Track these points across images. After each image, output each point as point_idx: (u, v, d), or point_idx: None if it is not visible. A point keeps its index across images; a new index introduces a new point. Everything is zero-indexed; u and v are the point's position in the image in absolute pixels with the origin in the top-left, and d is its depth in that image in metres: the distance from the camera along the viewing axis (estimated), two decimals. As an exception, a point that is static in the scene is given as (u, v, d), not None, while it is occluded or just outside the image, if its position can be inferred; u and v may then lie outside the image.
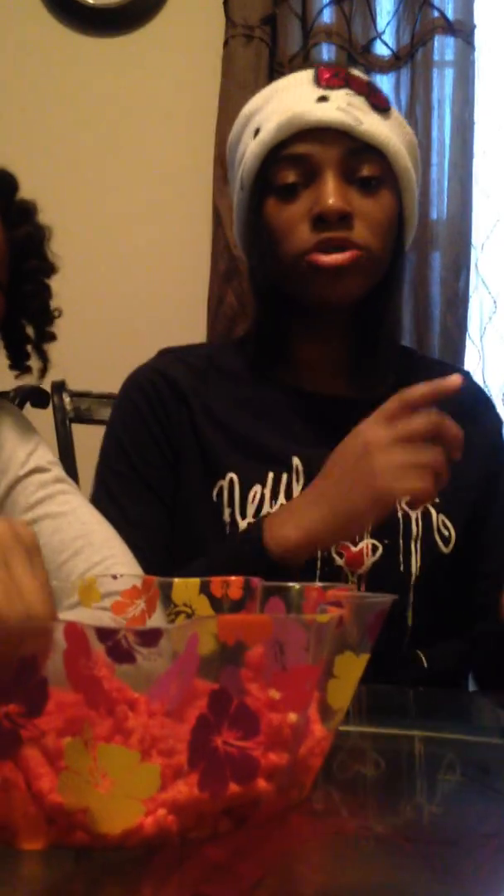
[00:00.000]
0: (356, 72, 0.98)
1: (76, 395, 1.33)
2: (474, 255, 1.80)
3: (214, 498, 0.91)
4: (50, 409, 1.33)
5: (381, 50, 1.79)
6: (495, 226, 1.84)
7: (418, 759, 0.61)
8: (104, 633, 0.39)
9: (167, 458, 0.94)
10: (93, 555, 0.76)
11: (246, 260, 1.01)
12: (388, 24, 1.79)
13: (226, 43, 1.78)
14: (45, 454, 0.84)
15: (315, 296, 0.91)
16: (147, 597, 0.57)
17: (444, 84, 1.76)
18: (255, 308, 1.00)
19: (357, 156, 0.90)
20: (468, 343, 1.78)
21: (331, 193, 0.88)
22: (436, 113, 1.76)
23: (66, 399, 1.32)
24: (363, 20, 1.78)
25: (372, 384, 0.96)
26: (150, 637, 0.40)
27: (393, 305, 0.97)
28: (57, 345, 2.03)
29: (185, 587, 0.56)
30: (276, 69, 1.74)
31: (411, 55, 1.77)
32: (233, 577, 0.56)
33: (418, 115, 1.76)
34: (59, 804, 0.39)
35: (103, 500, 0.95)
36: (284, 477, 0.90)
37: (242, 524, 0.88)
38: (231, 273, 1.74)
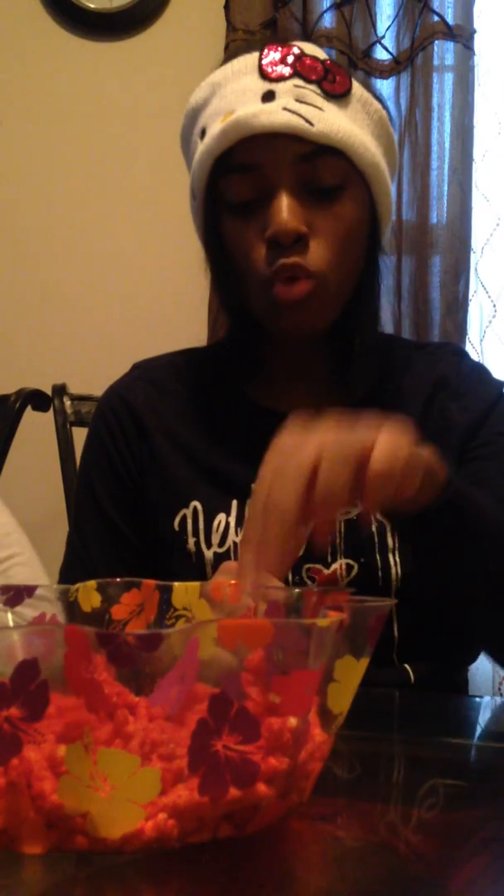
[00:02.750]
0: (311, 48, 0.84)
1: (77, 399, 1.33)
2: (474, 259, 1.80)
3: (177, 527, 0.87)
4: (50, 412, 1.33)
5: (382, 54, 1.80)
6: (495, 230, 1.84)
7: (417, 763, 0.61)
8: (104, 638, 0.39)
9: (131, 491, 0.91)
10: None
11: (210, 271, 0.93)
12: (388, 28, 1.80)
13: (226, 47, 1.79)
14: None
15: (279, 328, 0.85)
16: (146, 601, 0.57)
17: (443, 88, 1.77)
18: (227, 319, 0.94)
19: (312, 159, 0.80)
20: (468, 347, 1.78)
21: (282, 213, 0.79)
22: (435, 117, 1.76)
23: (67, 402, 1.32)
24: (363, 25, 1.79)
25: (348, 394, 0.90)
26: (151, 641, 0.40)
27: (369, 314, 0.90)
28: (58, 348, 2.05)
29: (185, 591, 0.56)
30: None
31: (411, 60, 1.77)
32: (232, 581, 0.56)
33: (418, 119, 1.77)
34: (60, 806, 0.39)
35: (74, 530, 0.95)
36: (248, 504, 0.84)
37: (208, 554, 0.85)
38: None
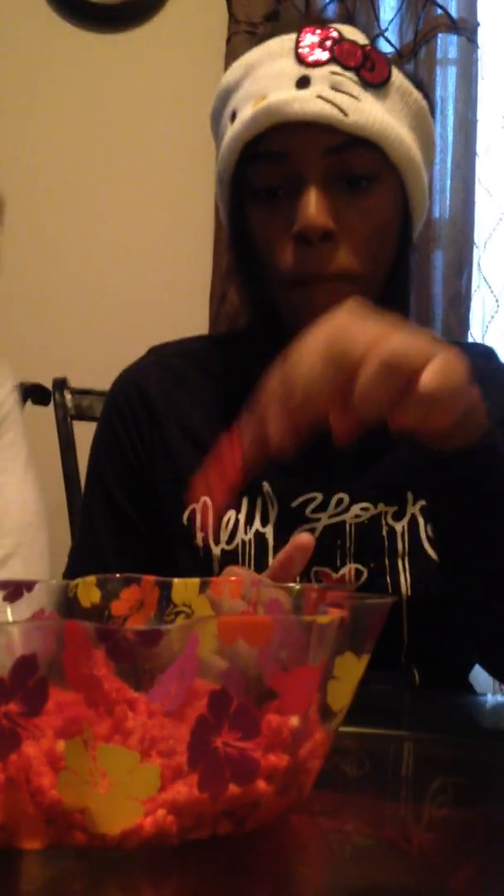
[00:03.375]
0: (350, 32, 0.81)
1: (77, 393, 1.33)
2: (476, 253, 1.80)
3: (185, 521, 0.86)
4: (51, 406, 1.33)
5: (384, 47, 1.79)
6: (497, 224, 1.84)
7: (419, 760, 0.61)
8: (104, 633, 0.39)
9: (141, 479, 0.90)
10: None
11: (233, 262, 0.91)
12: (391, 21, 1.79)
13: (228, 40, 1.78)
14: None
15: (304, 323, 0.84)
16: (146, 597, 0.56)
17: (446, 82, 1.77)
18: (249, 312, 0.91)
19: (344, 151, 0.77)
20: (470, 342, 1.78)
21: (310, 208, 0.76)
22: (438, 111, 1.76)
23: (68, 396, 1.32)
24: (366, 17, 1.79)
25: None
26: (151, 637, 0.40)
27: (399, 311, 0.88)
28: (58, 342, 2.04)
29: (185, 587, 0.56)
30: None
31: (414, 53, 1.77)
32: (233, 578, 0.56)
33: (421, 113, 1.76)
34: (59, 801, 0.39)
35: (84, 515, 0.94)
36: (259, 502, 0.85)
37: (216, 550, 0.84)
38: (233, 270, 1.74)
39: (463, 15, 1.75)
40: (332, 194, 0.78)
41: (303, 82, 0.77)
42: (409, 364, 0.53)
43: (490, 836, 0.47)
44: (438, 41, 1.76)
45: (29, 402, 1.31)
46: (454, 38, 1.76)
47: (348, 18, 1.76)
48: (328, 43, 0.79)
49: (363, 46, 0.80)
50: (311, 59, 0.78)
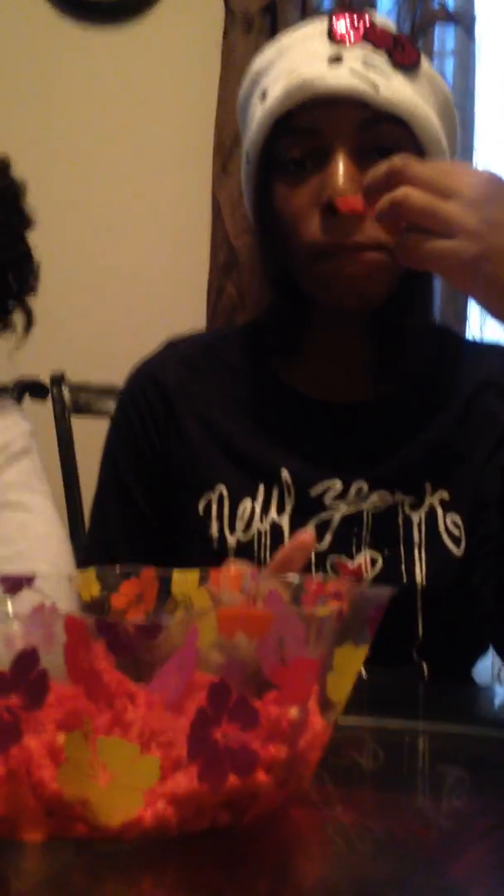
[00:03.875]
0: (380, 18, 0.85)
1: (75, 388, 1.33)
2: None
3: (201, 511, 0.85)
4: (49, 401, 1.33)
5: (382, 39, 1.78)
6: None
7: (418, 752, 0.61)
8: (104, 626, 0.39)
9: (156, 472, 0.90)
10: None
11: (256, 241, 0.91)
12: (388, 13, 1.78)
13: (225, 33, 1.78)
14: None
15: (331, 303, 0.82)
16: (145, 589, 0.56)
17: (444, 74, 1.76)
18: (268, 297, 0.90)
19: (374, 126, 0.79)
20: (468, 334, 1.78)
21: (340, 177, 0.77)
22: (436, 103, 1.75)
23: (65, 391, 1.32)
24: (363, 8, 1.78)
25: (390, 386, 0.88)
26: (151, 630, 0.40)
27: (422, 296, 0.88)
28: (56, 337, 2.04)
29: (184, 580, 0.56)
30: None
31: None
32: (233, 571, 0.56)
33: (418, 105, 1.76)
34: (59, 793, 0.39)
35: (96, 508, 0.94)
36: (275, 491, 0.85)
37: (231, 540, 0.84)
38: (230, 264, 1.74)
39: (460, 7, 1.75)
40: (361, 167, 0.78)
41: (335, 59, 0.80)
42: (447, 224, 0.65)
43: (490, 828, 0.47)
44: (436, 33, 1.75)
45: (27, 398, 1.31)
46: (451, 30, 1.75)
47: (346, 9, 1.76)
48: (360, 25, 0.82)
49: (392, 34, 0.83)
50: (343, 38, 0.81)
